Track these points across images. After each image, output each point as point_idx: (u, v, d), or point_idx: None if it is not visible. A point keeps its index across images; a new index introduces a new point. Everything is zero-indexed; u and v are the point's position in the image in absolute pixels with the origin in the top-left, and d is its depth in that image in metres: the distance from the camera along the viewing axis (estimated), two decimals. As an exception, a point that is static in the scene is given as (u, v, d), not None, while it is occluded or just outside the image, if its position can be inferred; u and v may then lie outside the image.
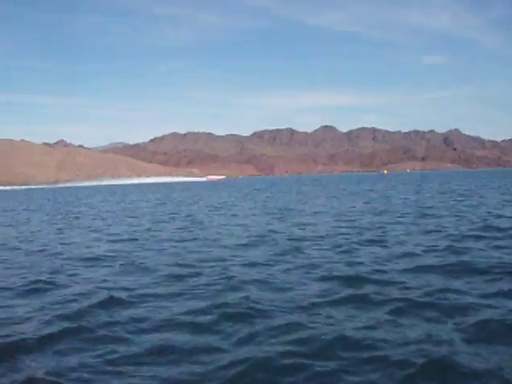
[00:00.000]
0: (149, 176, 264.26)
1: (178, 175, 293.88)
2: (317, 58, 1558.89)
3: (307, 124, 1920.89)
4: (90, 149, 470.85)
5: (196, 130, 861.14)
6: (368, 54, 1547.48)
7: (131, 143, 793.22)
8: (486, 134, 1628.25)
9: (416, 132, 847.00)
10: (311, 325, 7.47)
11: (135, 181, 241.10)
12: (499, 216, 21.45)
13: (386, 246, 14.49)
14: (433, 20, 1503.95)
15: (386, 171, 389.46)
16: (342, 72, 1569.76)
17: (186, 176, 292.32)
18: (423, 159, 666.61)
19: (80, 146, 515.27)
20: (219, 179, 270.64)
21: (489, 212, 23.55)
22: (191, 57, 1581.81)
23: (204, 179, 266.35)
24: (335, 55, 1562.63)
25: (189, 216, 29.19)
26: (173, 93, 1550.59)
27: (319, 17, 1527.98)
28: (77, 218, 32.02)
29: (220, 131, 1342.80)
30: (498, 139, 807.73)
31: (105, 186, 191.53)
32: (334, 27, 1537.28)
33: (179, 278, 11.10)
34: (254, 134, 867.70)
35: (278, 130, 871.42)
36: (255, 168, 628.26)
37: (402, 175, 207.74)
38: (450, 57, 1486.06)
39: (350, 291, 9.33)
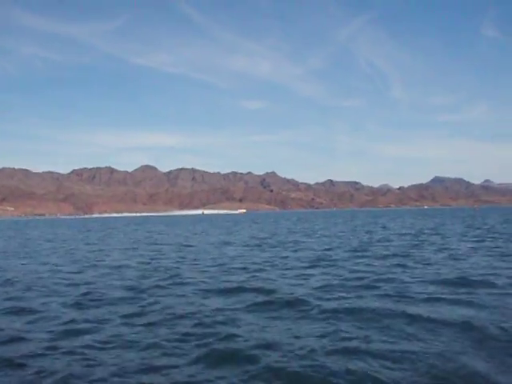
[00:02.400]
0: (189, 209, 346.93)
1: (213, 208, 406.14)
2: (140, 97, 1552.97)
3: (127, 163, 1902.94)
4: None
5: (11, 166, 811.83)
6: (191, 96, 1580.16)
7: None
8: (301, 177, 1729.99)
9: (234, 173, 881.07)
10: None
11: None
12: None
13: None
14: (255, 67, 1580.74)
15: (204, 212, 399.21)
16: (165, 112, 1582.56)
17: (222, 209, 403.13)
18: (241, 200, 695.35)
19: None
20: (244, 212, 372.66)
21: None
22: (10, 89, 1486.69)
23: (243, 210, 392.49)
24: (158, 95, 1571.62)
25: None
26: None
27: (145, 57, 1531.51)
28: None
29: (37, 168, 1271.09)
30: (312, 182, 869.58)
31: None
32: (160, 68, 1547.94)
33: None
34: (73, 171, 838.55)
35: (97, 168, 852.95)
36: (73, 206, 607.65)
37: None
38: (270, 102, 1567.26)
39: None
